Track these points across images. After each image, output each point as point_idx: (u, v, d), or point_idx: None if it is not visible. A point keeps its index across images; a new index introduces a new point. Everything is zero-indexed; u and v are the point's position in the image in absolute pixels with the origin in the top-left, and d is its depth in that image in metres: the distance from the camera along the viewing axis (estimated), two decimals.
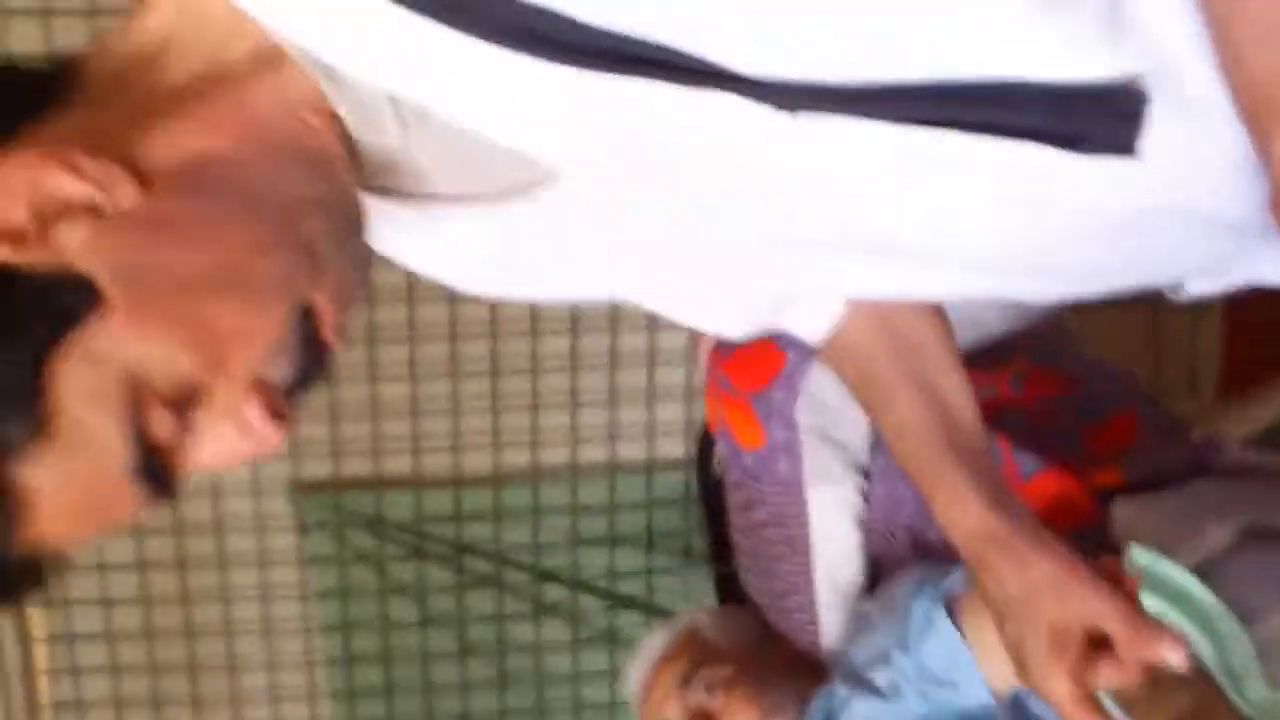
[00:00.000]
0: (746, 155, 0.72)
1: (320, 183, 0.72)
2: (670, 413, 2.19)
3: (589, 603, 2.11)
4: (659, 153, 0.73)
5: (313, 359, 0.71)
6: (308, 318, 0.70)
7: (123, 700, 2.25)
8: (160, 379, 0.65)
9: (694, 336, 1.76)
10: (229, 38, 0.70)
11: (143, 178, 0.65)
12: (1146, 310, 0.96)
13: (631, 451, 2.15)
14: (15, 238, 0.63)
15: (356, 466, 2.17)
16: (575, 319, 2.16)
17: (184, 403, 0.67)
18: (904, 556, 1.59)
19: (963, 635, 1.33)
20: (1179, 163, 0.76)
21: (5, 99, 0.67)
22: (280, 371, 0.70)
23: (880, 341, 1.02)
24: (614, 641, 2.12)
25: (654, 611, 2.08)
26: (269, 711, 2.29)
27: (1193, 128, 0.74)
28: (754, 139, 0.71)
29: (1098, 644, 0.93)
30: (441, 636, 2.13)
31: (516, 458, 2.14)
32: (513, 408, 2.21)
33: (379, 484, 2.17)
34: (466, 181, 0.77)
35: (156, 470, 0.67)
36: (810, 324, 1.01)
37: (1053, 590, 0.94)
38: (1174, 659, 0.89)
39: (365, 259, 0.76)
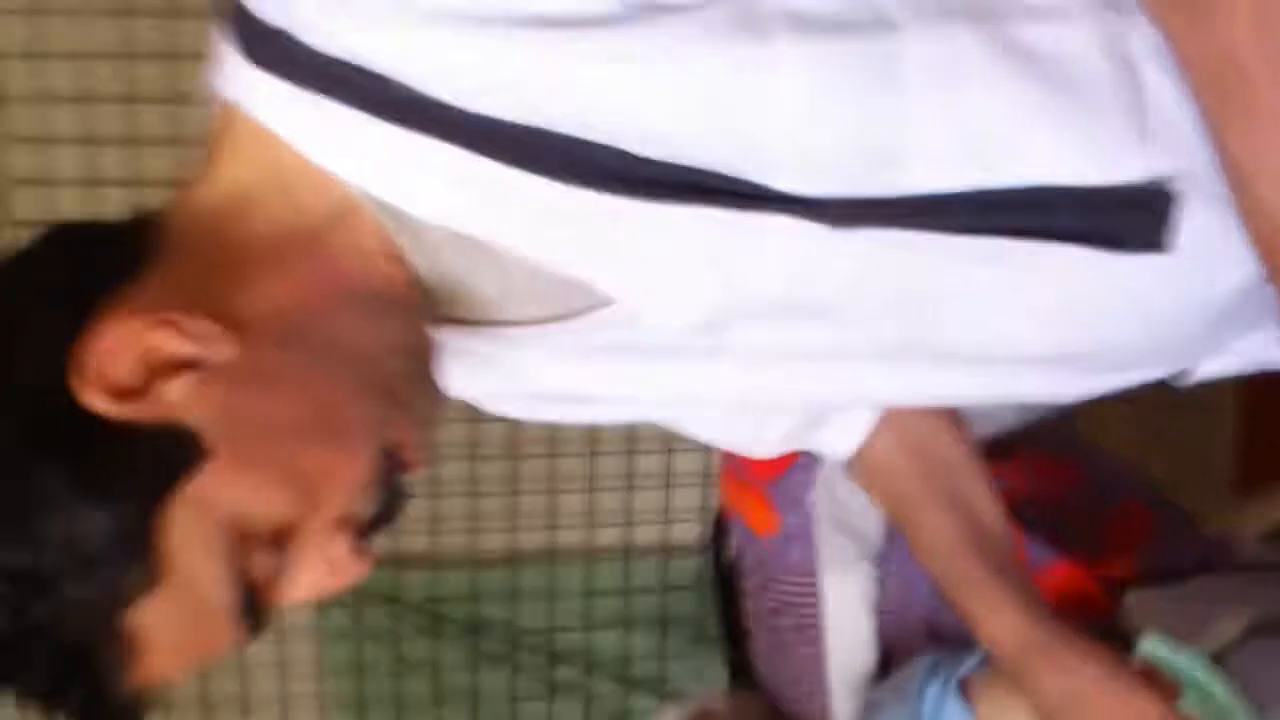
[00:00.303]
0: (800, 271, 0.75)
1: (398, 327, 0.75)
2: (686, 498, 2.21)
3: (602, 684, 2.11)
4: (715, 277, 0.76)
5: (393, 494, 0.75)
6: (389, 457, 0.73)
7: None
8: (260, 522, 0.68)
9: None
10: (305, 190, 0.73)
11: (237, 331, 0.69)
12: (1158, 406, 0.98)
13: (647, 535, 2.17)
14: (124, 394, 0.66)
15: (375, 544, 2.18)
16: None
17: (280, 542, 0.70)
18: (917, 643, 1.60)
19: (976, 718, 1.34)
20: (1211, 251, 0.79)
21: (102, 260, 0.70)
22: (364, 507, 0.73)
23: (909, 460, 1.04)
24: None
25: (667, 694, 2.08)
26: None
27: (1222, 217, 0.77)
28: (807, 255, 0.74)
29: None
30: (456, 714, 2.14)
31: (533, 539, 2.16)
32: (530, 490, 2.22)
33: (396, 562, 2.19)
34: (530, 308, 0.80)
35: (255, 608, 0.70)
36: (840, 441, 1.03)
37: (1099, 695, 0.96)
38: None
39: (439, 392, 0.80)
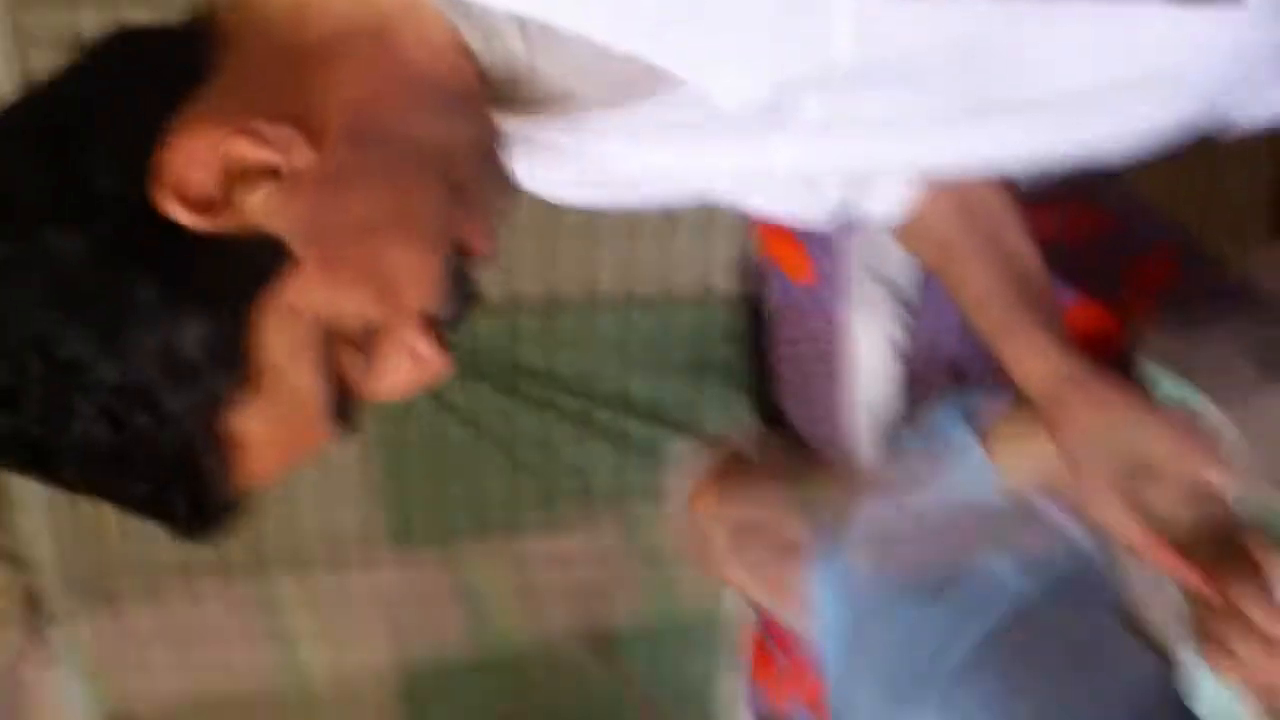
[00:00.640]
0: (869, 32, 0.75)
1: (467, 121, 0.75)
2: (725, 247, 2.22)
3: (636, 427, 2.16)
4: (784, 49, 0.76)
5: (464, 291, 0.75)
6: (460, 253, 0.74)
7: None
8: (346, 322, 0.70)
9: None
10: None
11: (311, 134, 0.68)
12: (1198, 157, 0.98)
13: (685, 282, 2.19)
14: (206, 206, 0.66)
15: None
16: None
17: (366, 342, 0.72)
18: (941, 386, 1.63)
19: (992, 458, 1.38)
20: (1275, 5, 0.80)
21: (169, 67, 0.70)
22: (440, 305, 0.74)
23: (955, 214, 1.05)
24: (660, 463, 2.18)
25: (700, 436, 2.13)
26: (321, 515, 2.37)
27: None
28: (875, 17, 0.74)
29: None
30: (493, 456, 2.20)
31: (571, 286, 2.18)
32: (569, 235, 2.24)
33: None
34: (600, 94, 0.80)
35: (346, 406, 0.72)
36: (887, 205, 1.04)
37: (1127, 426, 0.99)
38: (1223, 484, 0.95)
39: (509, 185, 0.80)
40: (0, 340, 0.65)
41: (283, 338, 0.68)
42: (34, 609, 2.10)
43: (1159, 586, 1.01)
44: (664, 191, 0.93)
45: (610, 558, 2.25)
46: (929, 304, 1.63)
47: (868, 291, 1.69)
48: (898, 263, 1.64)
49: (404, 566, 2.26)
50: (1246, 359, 1.22)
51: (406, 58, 0.73)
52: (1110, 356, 1.44)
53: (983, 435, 1.40)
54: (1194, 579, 0.96)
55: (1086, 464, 1.00)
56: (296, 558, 2.19)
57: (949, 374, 1.63)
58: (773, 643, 1.87)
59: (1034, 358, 1.02)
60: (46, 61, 0.71)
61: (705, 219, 2.19)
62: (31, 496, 2.03)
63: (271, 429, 0.70)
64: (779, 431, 1.91)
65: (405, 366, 0.74)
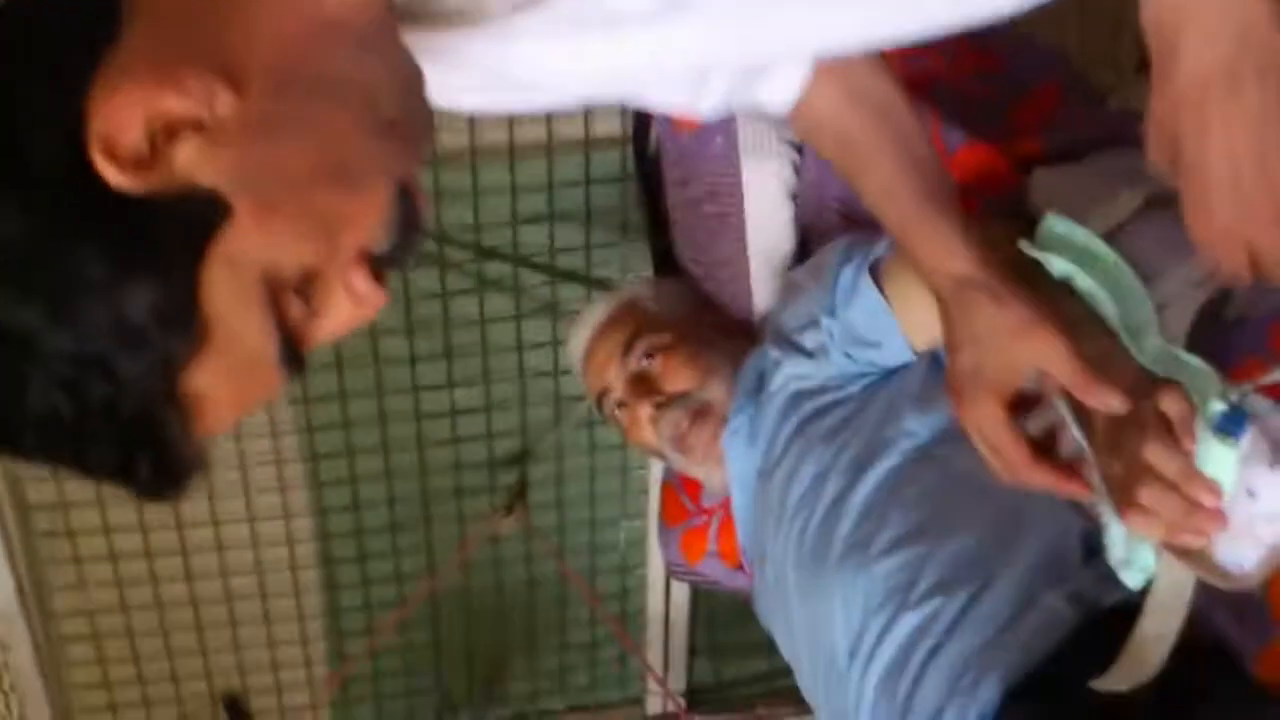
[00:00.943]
0: None
1: (387, 58, 0.74)
2: None
3: (530, 277, 2.16)
4: None
5: (411, 227, 0.74)
6: (405, 192, 0.73)
7: None
8: (287, 269, 0.69)
9: None
10: None
11: (233, 81, 0.66)
12: None
13: (569, 130, 2.17)
14: (138, 164, 0.64)
15: None
16: None
17: (308, 286, 0.70)
18: (833, 228, 1.65)
19: (886, 298, 1.41)
20: None
21: (79, 26, 0.67)
22: (381, 242, 0.73)
23: (852, 108, 1.06)
24: (555, 313, 2.19)
25: (593, 284, 2.14)
26: None
27: None
28: None
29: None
30: (388, 313, 2.19)
31: (456, 140, 2.15)
32: None
33: None
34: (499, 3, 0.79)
35: (295, 353, 0.71)
36: (780, 92, 1.04)
37: (1020, 328, 1.02)
38: (1116, 405, 0.97)
39: (430, 117, 0.78)
40: None
41: (228, 290, 0.67)
42: None
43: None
44: (563, 93, 0.93)
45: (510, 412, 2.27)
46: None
47: (754, 131, 1.70)
48: None
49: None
50: (1132, 192, 1.26)
51: None
52: (1002, 193, 1.47)
53: (874, 274, 1.42)
54: (1070, 488, 1.02)
55: (970, 367, 1.04)
56: None
57: (838, 214, 1.65)
58: (683, 493, 1.91)
59: (945, 254, 1.06)
60: None
61: None
62: None
63: (225, 381, 0.69)
64: (675, 276, 1.92)
65: (345, 307, 0.73)
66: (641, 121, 1.94)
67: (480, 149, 2.11)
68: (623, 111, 2.05)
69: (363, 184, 0.71)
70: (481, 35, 0.81)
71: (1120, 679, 1.10)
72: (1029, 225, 1.17)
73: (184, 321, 0.66)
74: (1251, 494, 0.96)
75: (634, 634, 2.44)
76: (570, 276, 2.18)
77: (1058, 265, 1.12)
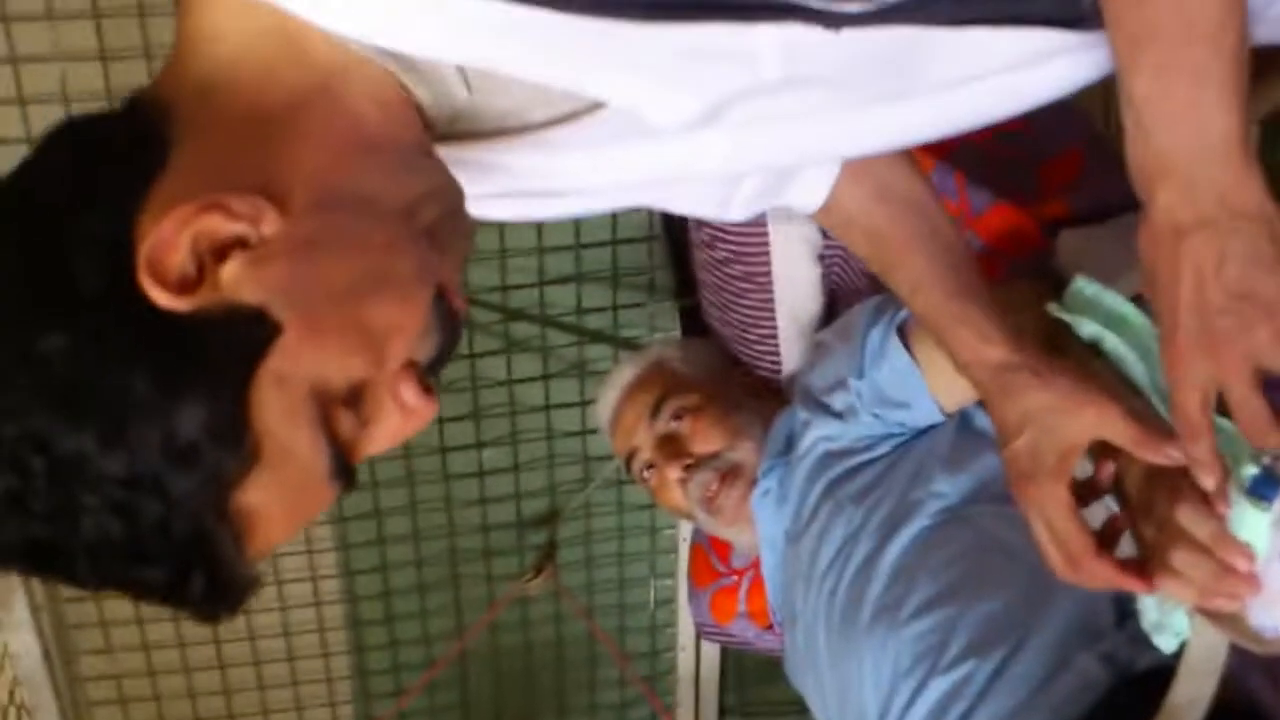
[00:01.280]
0: (795, 62, 0.78)
1: (424, 171, 0.75)
2: None
3: (557, 338, 2.17)
4: (713, 83, 0.78)
5: (450, 331, 0.75)
6: (441, 297, 0.74)
7: None
8: (336, 383, 0.69)
9: None
10: (310, 52, 0.71)
11: (277, 201, 0.67)
12: None
13: None
14: (185, 286, 0.65)
15: None
16: None
17: (356, 399, 0.71)
18: (861, 289, 1.66)
19: (915, 359, 1.41)
20: None
21: (125, 154, 0.68)
22: (425, 350, 0.74)
23: (879, 204, 1.07)
24: (583, 373, 2.19)
25: (621, 344, 2.15)
26: None
27: None
28: (802, 51, 0.77)
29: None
30: None
31: None
32: None
33: None
34: (529, 116, 0.81)
35: (346, 467, 0.71)
36: (808, 195, 1.05)
37: (1070, 403, 1.00)
38: (1175, 457, 0.95)
39: (467, 224, 0.80)
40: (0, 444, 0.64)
41: (277, 406, 0.67)
42: None
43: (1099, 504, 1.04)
44: (594, 200, 0.95)
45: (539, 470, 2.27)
46: None
47: None
48: None
49: None
50: None
51: (362, 118, 0.72)
52: (1026, 254, 1.47)
53: (904, 336, 1.42)
54: (1133, 585, 0.99)
55: (1027, 450, 1.02)
56: None
57: (866, 275, 1.65)
58: (713, 554, 1.91)
59: (982, 343, 1.05)
60: None
61: None
62: None
63: (277, 497, 0.69)
64: (703, 337, 1.93)
65: (395, 418, 0.73)
66: None
67: None
68: None
69: (405, 294, 0.72)
70: (519, 146, 0.82)
71: None
72: (1055, 286, 1.17)
73: (235, 439, 0.67)
74: None
75: (663, 694, 2.43)
76: (598, 337, 2.18)
77: (1086, 328, 1.12)
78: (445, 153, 0.79)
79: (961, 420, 1.47)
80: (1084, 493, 1.01)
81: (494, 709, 2.45)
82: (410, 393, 0.73)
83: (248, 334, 0.67)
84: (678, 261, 2.09)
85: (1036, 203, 1.51)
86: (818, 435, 1.57)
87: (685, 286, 2.05)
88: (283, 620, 2.30)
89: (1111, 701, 1.23)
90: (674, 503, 1.74)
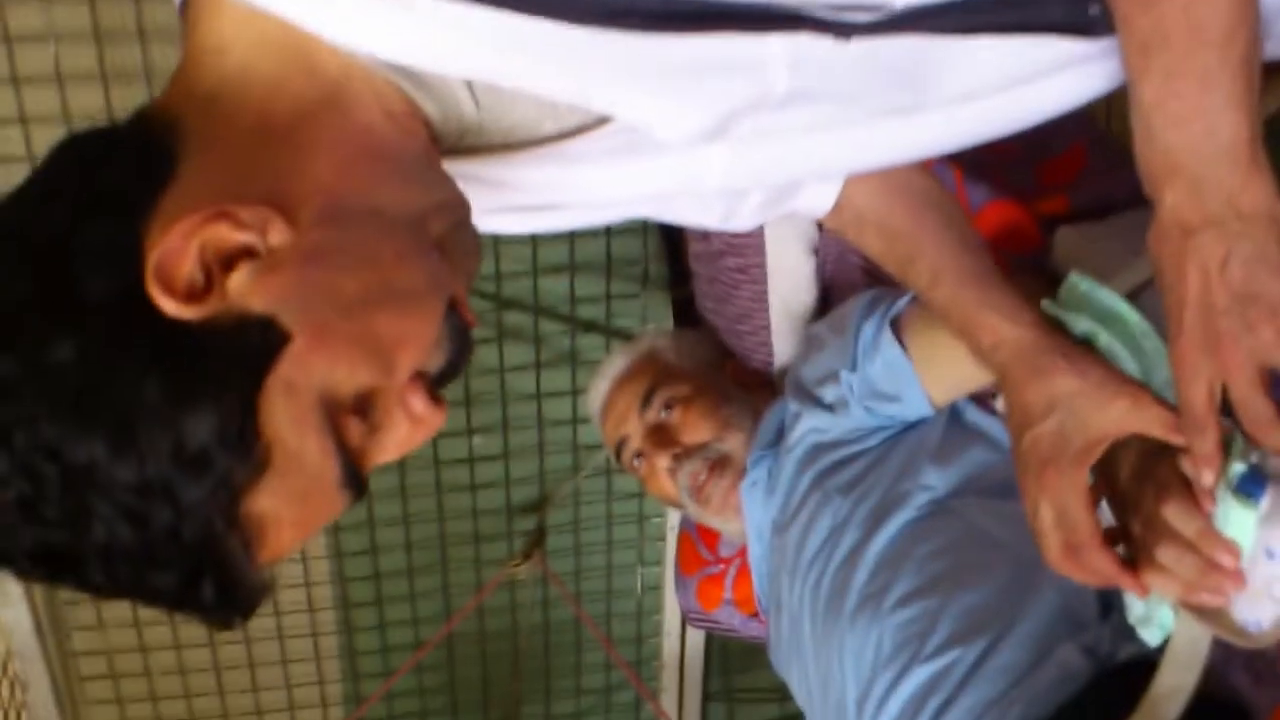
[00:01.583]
0: (803, 73, 0.78)
1: (433, 183, 0.76)
2: None
3: (550, 327, 2.18)
4: (719, 95, 0.79)
5: (460, 344, 0.76)
6: (453, 309, 0.75)
7: None
8: (345, 392, 0.70)
9: None
10: (318, 64, 0.72)
11: (285, 211, 0.68)
12: None
13: None
14: (193, 295, 0.66)
15: None
16: None
17: (366, 407, 0.72)
18: (856, 283, 1.67)
19: (906, 352, 1.42)
20: None
21: (133, 164, 0.69)
22: (435, 362, 0.74)
23: (890, 198, 1.07)
24: (575, 362, 2.20)
25: (613, 334, 2.16)
26: None
27: None
28: (811, 61, 0.77)
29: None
30: None
31: None
32: None
33: None
34: (534, 130, 0.82)
35: (356, 474, 0.72)
36: (817, 200, 1.05)
37: (1105, 393, 1.00)
38: (1209, 445, 0.94)
39: (475, 237, 0.80)
40: (12, 453, 0.65)
41: (287, 413, 0.68)
42: None
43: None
44: (598, 212, 0.95)
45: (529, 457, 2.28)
46: None
47: None
48: None
49: None
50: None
51: (370, 129, 0.73)
52: (1023, 250, 1.49)
53: (897, 330, 1.44)
54: (1129, 584, 0.99)
55: (1053, 434, 1.02)
56: None
57: (861, 269, 1.66)
58: (700, 542, 1.92)
59: (1005, 325, 1.04)
60: None
61: None
62: None
63: (287, 504, 0.70)
64: (695, 327, 1.94)
65: (404, 427, 0.74)
66: None
67: None
68: None
69: (414, 305, 0.72)
70: (527, 160, 0.83)
71: None
72: (1051, 283, 1.18)
73: (245, 446, 0.67)
74: (1270, 554, 0.97)
75: (649, 679, 2.45)
76: (590, 326, 2.19)
77: (1080, 324, 1.14)
78: (451, 168, 0.80)
79: (951, 414, 1.49)
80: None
81: (481, 691, 2.46)
82: (419, 402, 0.74)
83: (256, 342, 0.67)
84: (671, 253, 2.10)
85: (1035, 199, 1.52)
86: (808, 427, 1.58)
87: (679, 278, 2.06)
88: (273, 600, 2.30)
89: (1092, 692, 1.25)
90: (663, 491, 1.75)
